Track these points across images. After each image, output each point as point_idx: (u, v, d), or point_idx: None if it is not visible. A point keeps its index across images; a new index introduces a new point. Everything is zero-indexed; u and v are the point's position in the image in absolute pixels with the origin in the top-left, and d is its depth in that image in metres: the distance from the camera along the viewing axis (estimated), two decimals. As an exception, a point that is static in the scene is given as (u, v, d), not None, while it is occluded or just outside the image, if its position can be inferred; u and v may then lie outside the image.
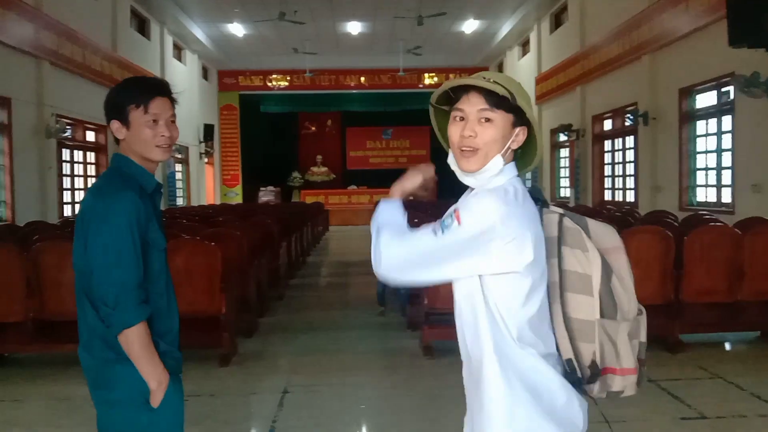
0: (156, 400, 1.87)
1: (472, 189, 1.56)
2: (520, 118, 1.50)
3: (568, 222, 1.49)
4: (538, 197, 1.53)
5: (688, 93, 10.13)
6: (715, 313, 5.31)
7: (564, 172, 16.34)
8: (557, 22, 16.58)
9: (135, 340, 1.83)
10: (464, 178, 1.55)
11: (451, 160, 1.57)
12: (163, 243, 2.02)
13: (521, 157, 1.58)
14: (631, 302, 1.48)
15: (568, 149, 15.63)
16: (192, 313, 4.94)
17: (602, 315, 1.45)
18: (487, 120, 1.47)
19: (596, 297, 1.45)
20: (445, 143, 1.64)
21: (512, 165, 1.54)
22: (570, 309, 1.46)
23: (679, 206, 10.07)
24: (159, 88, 2.04)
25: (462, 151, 1.51)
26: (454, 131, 1.52)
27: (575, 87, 14.58)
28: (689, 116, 10.19)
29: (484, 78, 1.48)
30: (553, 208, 1.54)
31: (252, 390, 4.52)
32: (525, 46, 19.33)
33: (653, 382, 4.38)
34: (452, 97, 1.55)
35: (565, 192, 15.96)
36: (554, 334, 1.48)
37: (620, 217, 7.47)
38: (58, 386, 4.63)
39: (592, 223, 1.52)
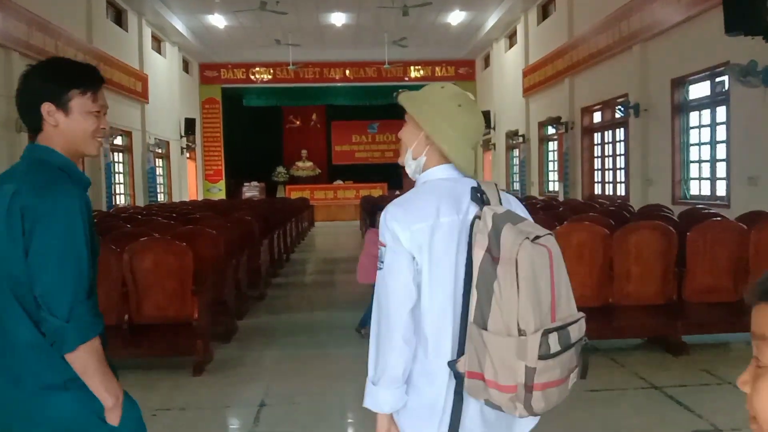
0: (116, 417, 1.66)
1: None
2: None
3: (477, 223, 1.51)
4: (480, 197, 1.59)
5: (680, 83, 9.88)
6: (719, 312, 5.02)
7: (552, 166, 16.08)
8: (545, 13, 16.30)
9: (93, 356, 1.61)
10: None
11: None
12: (98, 249, 1.74)
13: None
14: (510, 317, 1.40)
15: (556, 142, 15.38)
16: (162, 318, 4.60)
17: (474, 319, 1.46)
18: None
19: (473, 297, 1.47)
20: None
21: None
22: (469, 311, 1.50)
23: (672, 200, 9.83)
24: (101, 76, 1.80)
25: None
26: None
27: (563, 79, 14.31)
28: (682, 107, 9.94)
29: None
30: (488, 209, 1.53)
31: (227, 402, 4.18)
32: (512, 38, 19.04)
33: (658, 389, 4.10)
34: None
35: (554, 186, 15.71)
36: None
37: (614, 212, 7.19)
38: None
39: (507, 228, 1.45)
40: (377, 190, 21.99)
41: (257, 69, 22.58)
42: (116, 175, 14.97)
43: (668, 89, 10.05)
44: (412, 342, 1.58)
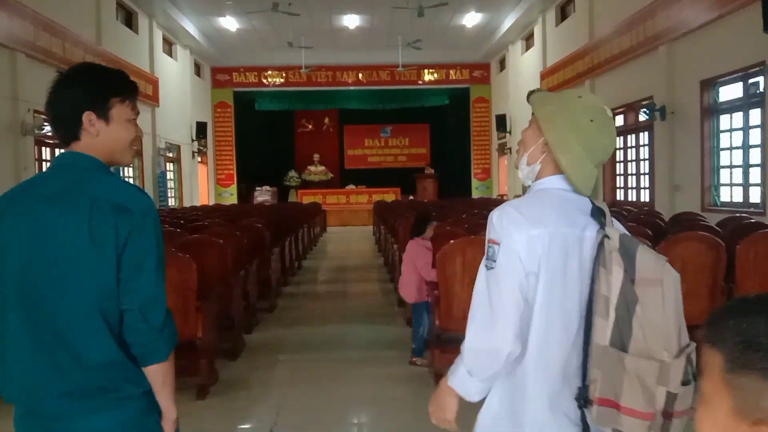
0: (171, 429, 1.67)
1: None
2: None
3: (608, 243, 1.46)
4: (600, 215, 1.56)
5: (710, 85, 9.42)
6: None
7: (572, 171, 15.61)
8: (563, 14, 15.88)
9: (173, 367, 1.62)
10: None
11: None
12: None
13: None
14: (654, 341, 1.36)
15: (576, 146, 14.91)
16: (163, 337, 4.23)
17: (612, 342, 1.40)
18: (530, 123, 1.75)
19: (610, 321, 1.41)
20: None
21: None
22: (593, 332, 1.44)
23: (701, 206, 9.37)
24: (135, 82, 1.75)
25: None
26: None
27: (584, 81, 13.88)
28: (712, 110, 9.48)
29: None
30: (611, 230, 1.49)
31: (233, 430, 3.80)
32: (528, 40, 18.62)
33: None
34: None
35: (573, 191, 15.24)
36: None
37: (646, 219, 6.73)
38: None
39: (642, 249, 1.43)
40: (390, 195, 21.61)
41: (269, 72, 22.32)
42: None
43: (697, 91, 9.60)
44: (519, 344, 1.52)
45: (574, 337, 1.50)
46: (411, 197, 20.63)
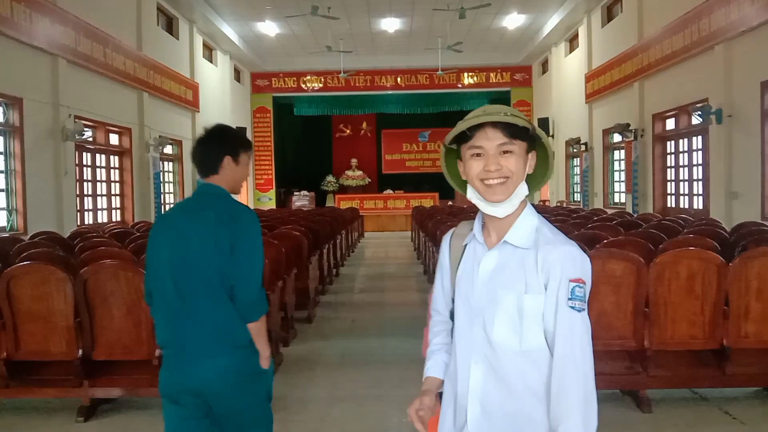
0: (266, 363, 2.42)
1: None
2: (531, 143, 1.57)
3: None
4: None
5: (771, 86, 8.89)
6: None
7: (619, 176, 15.06)
8: (609, 14, 15.36)
9: (264, 324, 2.40)
10: (490, 209, 1.56)
11: (471, 195, 1.60)
12: None
13: (530, 178, 1.63)
14: None
15: (623, 151, 14.39)
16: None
17: None
18: (507, 152, 1.54)
19: None
20: (453, 181, 1.72)
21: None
22: None
23: (761, 215, 8.83)
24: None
25: (488, 185, 1.55)
26: (475, 167, 1.56)
27: (632, 83, 13.35)
28: (773, 113, 8.94)
29: (499, 113, 1.52)
30: None
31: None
32: (572, 41, 18.12)
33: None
34: (467, 134, 1.56)
35: (620, 197, 14.71)
36: None
37: (707, 230, 6.24)
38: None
39: None
40: (428, 201, 21.32)
41: (308, 77, 22.25)
42: (166, 185, 14.73)
43: (757, 93, 9.06)
44: None
45: None
46: (450, 203, 20.26)
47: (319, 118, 24.87)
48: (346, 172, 25.98)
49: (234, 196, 2.48)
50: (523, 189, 1.56)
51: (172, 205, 14.76)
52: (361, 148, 26.72)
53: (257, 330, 2.34)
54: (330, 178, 25.55)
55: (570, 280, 1.46)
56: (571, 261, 1.48)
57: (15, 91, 8.67)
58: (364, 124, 27.03)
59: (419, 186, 23.86)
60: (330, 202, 23.63)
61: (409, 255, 13.85)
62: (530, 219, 1.58)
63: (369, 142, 27.15)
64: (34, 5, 8.92)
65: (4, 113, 8.70)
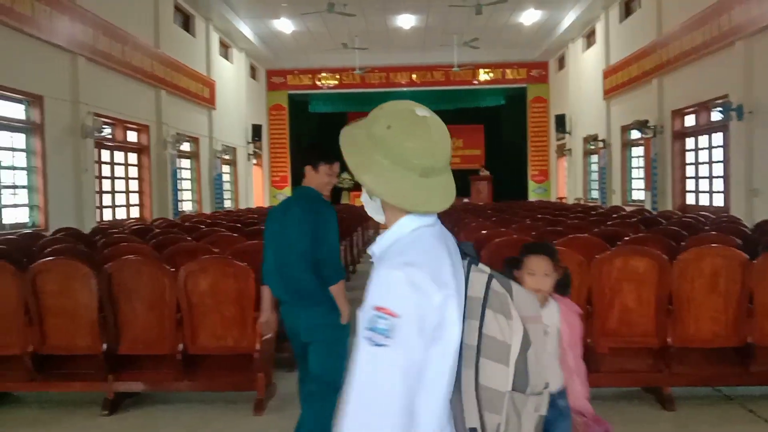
0: (346, 319, 3.14)
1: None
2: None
3: (495, 285, 1.38)
4: (465, 252, 1.48)
5: (794, 82, 8.77)
6: None
7: (637, 173, 14.94)
8: (628, 9, 15.22)
9: (342, 287, 3.16)
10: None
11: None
12: None
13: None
14: (540, 376, 1.36)
15: (641, 148, 14.26)
16: (219, 348, 4.06)
17: (514, 387, 1.33)
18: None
19: (511, 368, 1.33)
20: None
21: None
22: (482, 376, 1.33)
23: (783, 212, 8.73)
24: (335, 155, 3.23)
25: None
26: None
27: (651, 79, 13.23)
28: (796, 109, 8.83)
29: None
30: (481, 266, 1.43)
31: (290, 450, 3.58)
32: (590, 37, 17.98)
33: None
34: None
35: (639, 195, 14.59)
36: (461, 400, 1.35)
37: (728, 227, 6.20)
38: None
39: (516, 288, 1.39)
40: (444, 198, 21.25)
41: (323, 75, 22.29)
42: (183, 182, 14.83)
43: (780, 88, 8.96)
44: None
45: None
46: (465, 200, 20.21)
47: (334, 116, 24.85)
48: (362, 169, 25.97)
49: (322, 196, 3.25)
50: (390, 213, 1.45)
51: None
52: (376, 145, 26.70)
53: (338, 291, 3.10)
54: (345, 175, 25.53)
55: (375, 308, 1.24)
56: (383, 286, 1.27)
57: (36, 89, 8.77)
58: (380, 121, 27.00)
59: (434, 183, 23.77)
60: (345, 199, 23.65)
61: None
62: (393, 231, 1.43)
63: (384, 139, 27.13)
64: (54, 4, 9.02)
65: (26, 111, 8.80)
